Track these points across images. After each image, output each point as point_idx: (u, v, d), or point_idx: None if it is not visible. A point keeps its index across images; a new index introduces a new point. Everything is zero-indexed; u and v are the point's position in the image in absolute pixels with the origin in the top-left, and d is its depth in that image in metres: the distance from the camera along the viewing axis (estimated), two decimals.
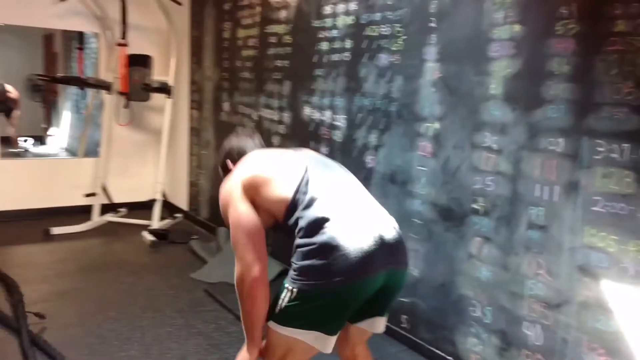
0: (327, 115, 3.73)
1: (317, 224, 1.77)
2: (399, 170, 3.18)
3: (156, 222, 5.30)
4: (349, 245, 1.72)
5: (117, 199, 5.77)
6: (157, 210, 5.33)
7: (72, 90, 7.26)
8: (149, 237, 5.03)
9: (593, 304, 2.25)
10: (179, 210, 5.92)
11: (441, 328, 2.95)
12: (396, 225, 1.92)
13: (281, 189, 1.90)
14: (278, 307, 1.81)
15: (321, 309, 1.77)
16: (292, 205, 1.87)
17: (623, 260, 2.15)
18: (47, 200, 5.64)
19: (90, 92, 6.32)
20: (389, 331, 3.26)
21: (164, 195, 5.58)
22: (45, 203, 5.64)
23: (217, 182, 5.18)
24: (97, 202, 5.49)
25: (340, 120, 3.60)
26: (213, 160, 5.30)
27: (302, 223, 1.81)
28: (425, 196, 3.02)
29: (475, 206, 2.74)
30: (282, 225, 1.93)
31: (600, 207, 2.22)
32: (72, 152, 7.18)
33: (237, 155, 2.19)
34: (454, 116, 2.83)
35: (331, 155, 3.69)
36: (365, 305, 1.88)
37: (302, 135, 3.99)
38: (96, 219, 5.45)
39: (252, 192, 1.93)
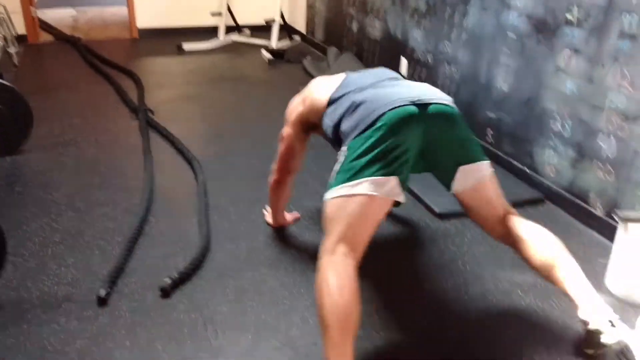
0: None
1: (353, 106, 1.84)
2: None
3: (274, 42, 5.59)
4: (383, 103, 1.75)
5: (241, 20, 6.10)
6: (275, 31, 5.60)
7: None
8: (267, 55, 5.38)
9: None
10: (297, 32, 6.14)
11: (522, 141, 3.03)
12: (449, 99, 1.85)
13: (319, 95, 2.08)
14: (329, 186, 1.77)
15: (366, 155, 1.70)
16: (329, 105, 2.01)
17: None
18: (180, 19, 6.14)
19: None
20: None
21: (283, 18, 5.80)
22: (178, 22, 6.14)
23: (331, 5, 5.28)
24: (222, 23, 5.87)
25: None
26: None
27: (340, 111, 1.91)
28: (521, 8, 2.92)
29: (569, 16, 2.63)
30: (327, 132, 2.01)
31: None
32: None
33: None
34: None
35: None
36: (438, 161, 1.85)
37: None
38: (222, 38, 5.87)
39: (309, 113, 2.15)
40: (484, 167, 1.88)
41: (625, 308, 2.09)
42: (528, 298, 2.14)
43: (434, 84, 3.71)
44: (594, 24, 2.50)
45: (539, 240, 1.84)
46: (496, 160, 3.22)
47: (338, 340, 1.51)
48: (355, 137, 1.76)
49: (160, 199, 2.77)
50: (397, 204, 1.78)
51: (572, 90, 2.66)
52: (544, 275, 1.82)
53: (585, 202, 2.65)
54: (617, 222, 2.19)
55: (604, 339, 1.62)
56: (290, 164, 2.30)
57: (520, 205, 2.79)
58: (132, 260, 2.27)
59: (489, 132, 3.29)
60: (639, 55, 2.30)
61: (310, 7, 5.94)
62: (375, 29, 4.57)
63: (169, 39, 5.89)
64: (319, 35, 5.75)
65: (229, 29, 5.96)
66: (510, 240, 1.89)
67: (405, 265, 2.33)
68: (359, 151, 1.71)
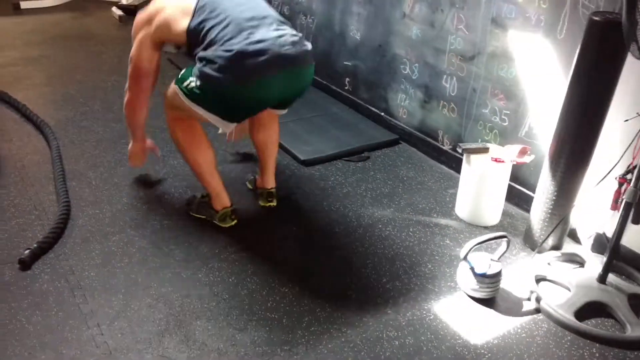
0: None
1: (217, 47, 1.88)
2: None
3: None
4: (245, 56, 1.84)
5: None
6: None
7: None
8: (117, 12, 5.07)
9: (499, 54, 2.44)
10: None
11: (377, 87, 3.19)
12: (299, 35, 2.00)
13: (177, 26, 2.03)
14: (185, 83, 1.96)
15: (221, 104, 1.96)
16: (191, 36, 1.99)
17: (528, 10, 2.27)
18: None
19: None
20: (333, 93, 3.52)
21: None
22: None
23: None
24: None
25: None
26: None
27: (201, 47, 1.94)
28: None
29: None
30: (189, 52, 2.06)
31: None
32: None
33: None
34: None
35: None
36: (277, 101, 2.12)
37: None
38: None
39: (159, 34, 2.11)
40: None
41: (473, 230, 2.34)
42: (387, 230, 2.31)
43: None
44: None
45: (269, 123, 2.35)
46: (355, 107, 3.37)
47: (208, 180, 2.19)
48: (214, 83, 1.89)
49: (10, 170, 2.57)
50: None
51: (417, 35, 2.84)
52: (257, 149, 2.40)
53: (435, 139, 2.88)
54: (462, 155, 2.41)
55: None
56: (142, 84, 2.25)
57: (379, 147, 2.98)
58: None
59: (347, 80, 3.42)
60: (471, 0, 2.50)
61: None
62: None
63: None
64: None
65: None
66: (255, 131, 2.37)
67: (274, 210, 2.40)
68: (218, 98, 1.94)
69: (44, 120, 2.97)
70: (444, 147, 2.83)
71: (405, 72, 2.96)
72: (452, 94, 2.71)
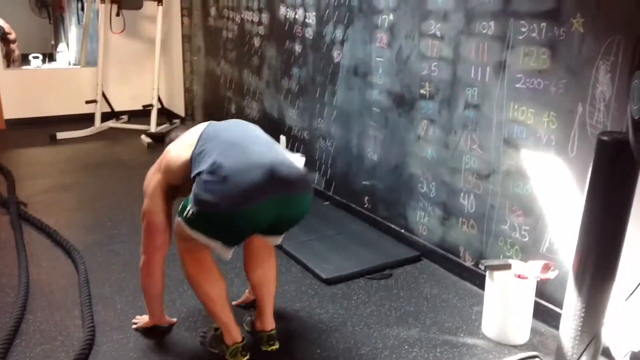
0: (299, 14, 3.89)
1: (211, 167, 1.90)
2: (361, 62, 3.38)
3: (153, 126, 5.61)
4: (236, 178, 1.86)
5: (118, 106, 6.07)
6: (153, 114, 5.63)
7: (75, 4, 7.40)
8: (146, 139, 5.37)
9: (514, 172, 2.52)
10: (177, 116, 6.21)
11: (396, 205, 3.26)
12: (297, 159, 2.03)
13: (181, 157, 2.06)
14: (185, 212, 1.94)
15: (217, 228, 1.94)
16: (193, 163, 2.01)
17: (538, 131, 2.38)
18: (52, 107, 5.98)
19: (86, 2, 6.48)
20: (353, 211, 3.60)
21: (160, 102, 5.86)
22: (50, 111, 5.98)
23: (209, 87, 5.45)
24: (98, 110, 5.80)
25: (311, 17, 3.77)
26: (203, 65, 5.52)
27: (198, 169, 1.95)
28: (382, 86, 3.24)
29: (422, 91, 2.96)
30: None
31: (521, 84, 2.43)
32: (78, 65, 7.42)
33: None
34: (406, 6, 2.99)
35: (304, 51, 3.90)
36: (271, 226, 2.05)
37: (279, 35, 4.18)
38: (98, 125, 5.78)
39: (168, 176, 2.14)
40: (280, 238, 2.26)
41: (502, 349, 2.28)
42: (414, 351, 2.26)
43: (311, 157, 3.93)
44: (444, 97, 2.83)
45: (264, 260, 2.26)
46: (374, 225, 3.43)
47: (219, 315, 2.11)
48: (207, 208, 1.89)
49: (38, 295, 2.62)
50: None
51: (433, 155, 2.95)
52: (253, 288, 2.31)
53: (456, 255, 2.89)
54: (485, 272, 2.41)
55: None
56: (156, 240, 2.18)
57: (400, 264, 2.99)
58: None
59: (366, 199, 3.51)
60: (482, 122, 2.63)
61: (187, 91, 6.06)
62: (253, 110, 4.77)
63: (41, 129, 5.69)
64: (198, 118, 5.86)
65: (106, 116, 5.89)
66: (248, 246, 2.27)
67: (298, 331, 2.38)
68: (215, 223, 1.94)
69: (73, 245, 3.07)
70: (466, 264, 2.83)
71: (423, 191, 3.05)
72: (471, 211, 2.77)
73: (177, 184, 2.15)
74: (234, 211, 1.87)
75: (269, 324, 2.26)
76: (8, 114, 5.84)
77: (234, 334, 2.13)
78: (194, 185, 1.92)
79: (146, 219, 2.19)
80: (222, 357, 2.15)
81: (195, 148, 2.02)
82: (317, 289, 2.74)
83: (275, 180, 1.89)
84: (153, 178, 2.19)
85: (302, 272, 2.88)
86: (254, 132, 2.16)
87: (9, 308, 2.46)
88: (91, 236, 3.30)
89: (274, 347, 2.24)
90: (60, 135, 5.46)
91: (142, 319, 2.36)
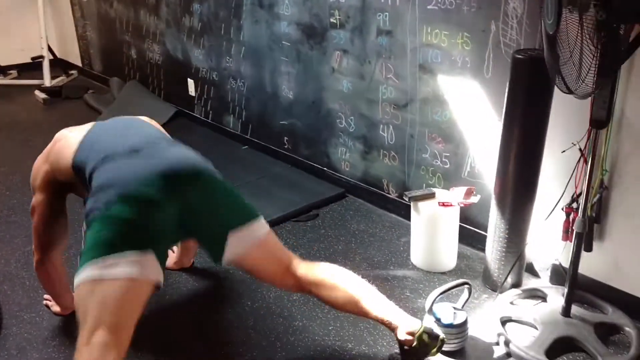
0: None
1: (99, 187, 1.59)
2: None
3: (48, 80, 5.13)
4: (124, 179, 1.58)
5: (4, 61, 5.50)
6: (45, 66, 5.13)
7: None
8: (41, 95, 4.91)
9: (431, 99, 2.46)
10: (73, 66, 5.72)
11: (316, 143, 3.16)
12: (194, 156, 1.74)
13: (64, 160, 1.79)
14: (79, 267, 1.49)
15: (114, 231, 1.50)
16: (77, 173, 1.75)
17: (452, 54, 2.31)
18: None
19: None
20: (273, 153, 3.47)
21: (52, 52, 5.35)
22: None
23: (104, 32, 5.00)
24: None
25: None
26: (95, 7, 5.05)
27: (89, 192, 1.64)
28: (289, 17, 3.05)
29: (332, 20, 2.80)
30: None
31: (433, 4, 2.33)
32: None
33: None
34: None
35: None
36: (201, 231, 1.69)
37: None
38: None
39: (55, 172, 1.85)
40: (257, 227, 1.72)
41: (431, 278, 2.29)
42: None
43: (222, 99, 3.72)
44: (355, 24, 2.70)
45: (335, 279, 1.75)
46: (296, 165, 3.32)
47: None
48: (99, 214, 1.52)
49: None
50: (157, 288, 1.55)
51: (349, 88, 2.84)
52: (353, 311, 1.74)
53: (380, 188, 2.85)
54: (409, 203, 2.38)
55: (435, 335, 1.65)
56: (49, 237, 1.92)
57: (326, 203, 2.93)
58: None
59: (285, 139, 3.38)
60: (396, 49, 2.54)
61: (81, 38, 5.55)
62: (155, 53, 4.44)
63: None
64: (97, 67, 5.41)
65: None
66: (307, 288, 1.76)
67: (229, 280, 2.28)
68: (107, 226, 1.50)
69: None
70: (390, 196, 2.81)
71: (342, 126, 2.95)
72: (391, 142, 2.71)
73: (66, 182, 1.86)
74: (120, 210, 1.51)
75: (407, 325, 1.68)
76: None
77: None
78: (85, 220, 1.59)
79: (35, 216, 1.92)
80: None
81: (75, 155, 1.75)
82: None
83: (169, 181, 1.58)
84: (40, 169, 1.91)
85: None
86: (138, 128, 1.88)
87: None
88: None
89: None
90: None
91: (54, 305, 2.13)
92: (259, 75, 3.42)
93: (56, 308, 2.12)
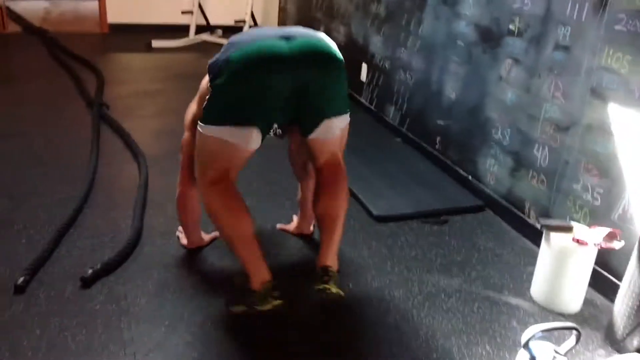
0: None
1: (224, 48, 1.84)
2: None
3: None
4: (248, 43, 1.78)
5: (214, 20, 6.10)
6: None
7: None
8: None
9: (596, 127, 2.24)
10: None
11: (467, 149, 3.05)
12: (325, 37, 1.92)
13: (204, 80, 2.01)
14: (204, 108, 1.86)
15: (229, 102, 1.81)
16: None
17: (631, 82, 2.07)
18: (152, 16, 6.12)
19: None
20: (423, 150, 3.43)
21: (254, 19, 5.81)
22: (150, 19, 6.12)
23: (302, 7, 5.30)
24: (193, 21, 5.86)
25: None
26: None
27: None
28: (470, 17, 2.96)
29: (511, 26, 2.67)
30: None
31: (622, 25, 2.10)
32: None
33: None
34: None
35: None
36: (296, 108, 1.88)
37: None
38: (192, 37, 5.85)
39: (198, 111, 2.02)
40: (343, 120, 1.99)
41: (546, 315, 2.11)
42: (450, 302, 2.15)
43: (389, 89, 3.75)
44: (533, 34, 2.54)
45: (331, 197, 2.05)
46: (442, 167, 3.25)
47: (245, 253, 1.91)
48: (220, 71, 1.78)
49: (100, 192, 2.75)
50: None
51: (512, 99, 2.69)
52: (317, 221, 2.11)
53: (521, 210, 2.68)
54: (541, 230, 2.21)
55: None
56: (193, 173, 2.06)
57: (460, 212, 2.83)
58: (59, 250, 2.25)
59: (438, 139, 3.31)
60: (571, 66, 2.34)
61: (282, 10, 5.96)
62: (340, 34, 4.60)
63: (139, 36, 5.85)
64: None
65: (201, 29, 5.95)
66: (312, 183, 2.13)
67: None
68: (227, 95, 1.80)
69: (141, 150, 3.17)
70: (529, 220, 2.62)
71: (497, 137, 2.81)
72: (543, 165, 2.52)
73: None
74: (245, 78, 1.77)
75: (324, 260, 2.02)
76: (112, 18, 6.07)
77: (262, 273, 1.92)
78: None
79: (185, 150, 2.14)
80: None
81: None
82: (364, 225, 2.66)
83: (294, 55, 1.78)
84: (190, 109, 2.13)
85: (354, 205, 2.80)
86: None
87: (73, 200, 2.60)
88: (161, 144, 3.39)
89: (327, 287, 1.94)
90: (155, 43, 5.59)
91: (183, 238, 2.37)
92: (427, 70, 3.38)
93: (184, 240, 2.35)
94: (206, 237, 2.38)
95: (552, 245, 2.11)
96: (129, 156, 3.18)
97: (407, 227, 2.66)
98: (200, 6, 5.90)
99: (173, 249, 2.34)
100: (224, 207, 1.91)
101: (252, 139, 1.84)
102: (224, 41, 5.84)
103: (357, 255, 2.41)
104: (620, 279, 2.14)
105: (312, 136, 1.96)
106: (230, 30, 6.01)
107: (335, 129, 1.98)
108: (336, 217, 2.06)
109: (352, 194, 2.85)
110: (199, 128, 1.87)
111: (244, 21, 5.63)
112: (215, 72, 1.81)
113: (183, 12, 5.87)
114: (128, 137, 3.32)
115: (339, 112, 1.97)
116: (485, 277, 2.33)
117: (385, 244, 2.50)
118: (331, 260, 2.04)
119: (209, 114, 1.85)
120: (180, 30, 5.89)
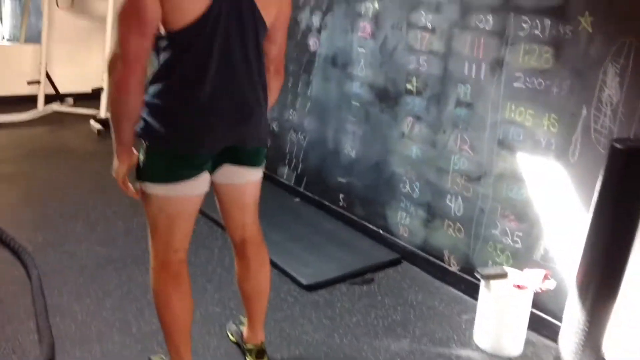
0: None
1: (180, 82, 1.62)
2: (340, 52, 3.20)
3: (103, 111, 5.22)
4: (190, 117, 1.64)
5: (64, 88, 5.62)
6: (104, 98, 5.24)
7: None
8: (96, 125, 4.99)
9: (508, 175, 2.41)
10: None
11: (374, 204, 3.11)
12: (260, 103, 1.78)
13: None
14: (145, 176, 1.72)
15: (159, 164, 1.69)
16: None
17: (537, 133, 2.28)
18: None
19: None
20: (327, 209, 3.43)
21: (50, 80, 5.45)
22: None
23: None
24: (41, 91, 5.35)
25: None
26: None
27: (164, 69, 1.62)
28: (363, 78, 3.07)
29: (409, 86, 2.81)
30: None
31: (520, 83, 2.31)
32: (15, 41, 6.85)
33: None
34: None
35: None
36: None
37: None
38: (41, 108, 5.33)
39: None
40: (256, 172, 1.89)
41: None
42: None
43: (280, 150, 3.72)
44: (433, 93, 2.69)
45: (257, 271, 1.98)
46: (350, 224, 3.27)
47: (178, 345, 1.82)
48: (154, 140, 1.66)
49: None
50: None
51: (418, 154, 2.81)
52: (243, 298, 2.03)
53: (440, 259, 2.77)
54: (473, 278, 2.29)
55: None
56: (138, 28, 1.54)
57: (381, 267, 2.85)
58: None
59: (341, 196, 3.34)
60: (475, 122, 2.51)
61: None
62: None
63: None
64: None
65: (50, 98, 5.44)
66: (240, 252, 1.98)
67: (284, 345, 2.19)
68: (157, 158, 1.69)
69: (21, 245, 2.75)
70: (450, 268, 2.72)
71: (405, 190, 2.91)
72: (458, 214, 2.65)
73: None
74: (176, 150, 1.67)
75: (260, 336, 2.06)
76: None
77: None
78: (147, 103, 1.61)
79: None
80: None
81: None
82: (297, 296, 2.56)
83: (228, 128, 1.70)
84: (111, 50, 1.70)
85: (279, 277, 2.69)
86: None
87: None
88: (41, 235, 2.97)
89: None
90: (1, 118, 4.99)
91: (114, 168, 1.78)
92: (322, 130, 3.42)
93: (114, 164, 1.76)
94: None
95: (493, 292, 2.20)
96: (6, 255, 2.73)
97: (339, 292, 2.61)
98: (47, 75, 5.41)
99: (97, 358, 2.03)
100: (174, 296, 1.80)
101: (204, 180, 1.76)
102: (76, 110, 5.43)
103: (302, 331, 2.30)
104: (550, 316, 2.30)
105: (219, 179, 1.85)
106: (83, 98, 5.60)
107: (245, 176, 1.88)
108: (266, 292, 2.05)
109: (275, 265, 2.74)
110: (148, 191, 1.72)
111: (102, 88, 5.26)
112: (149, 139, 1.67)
113: (29, 83, 5.34)
114: (1, 232, 2.87)
115: (252, 165, 1.87)
116: (429, 333, 2.35)
117: (325, 315, 2.42)
118: (263, 334, 2.09)
119: (152, 173, 1.71)
120: (27, 102, 5.33)
